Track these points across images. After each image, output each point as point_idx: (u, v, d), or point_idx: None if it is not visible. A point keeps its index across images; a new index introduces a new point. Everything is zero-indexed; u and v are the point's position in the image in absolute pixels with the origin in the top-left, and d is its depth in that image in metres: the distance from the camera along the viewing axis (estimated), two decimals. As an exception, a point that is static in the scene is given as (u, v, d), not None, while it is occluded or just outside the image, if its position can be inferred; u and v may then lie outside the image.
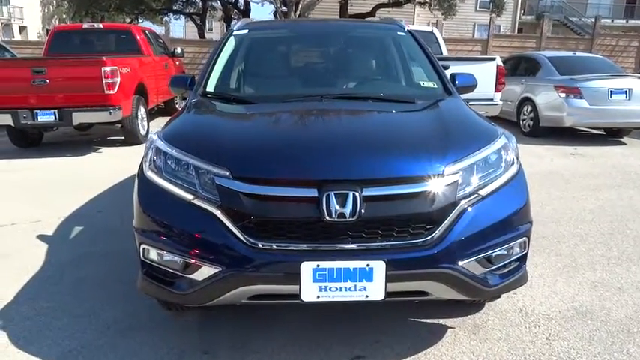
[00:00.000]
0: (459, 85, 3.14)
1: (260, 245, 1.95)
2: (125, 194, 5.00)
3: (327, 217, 1.91)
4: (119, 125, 7.26)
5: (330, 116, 2.63)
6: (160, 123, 9.06)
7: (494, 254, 2.10)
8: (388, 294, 1.95)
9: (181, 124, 2.55)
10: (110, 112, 6.72)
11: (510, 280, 2.20)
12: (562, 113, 7.77)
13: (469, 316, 2.69)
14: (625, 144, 8.15)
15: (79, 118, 6.77)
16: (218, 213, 1.99)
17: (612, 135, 8.53)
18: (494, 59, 7.00)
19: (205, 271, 2.00)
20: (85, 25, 9.19)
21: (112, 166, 6.18)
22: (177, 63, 10.25)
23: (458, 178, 2.06)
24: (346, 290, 1.93)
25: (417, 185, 1.99)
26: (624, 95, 7.60)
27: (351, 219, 1.92)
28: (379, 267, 1.90)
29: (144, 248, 2.16)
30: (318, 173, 2.00)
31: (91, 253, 3.54)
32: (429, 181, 2.01)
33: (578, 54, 9.82)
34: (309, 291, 1.92)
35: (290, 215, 1.96)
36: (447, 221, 1.99)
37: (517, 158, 2.33)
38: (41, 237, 3.85)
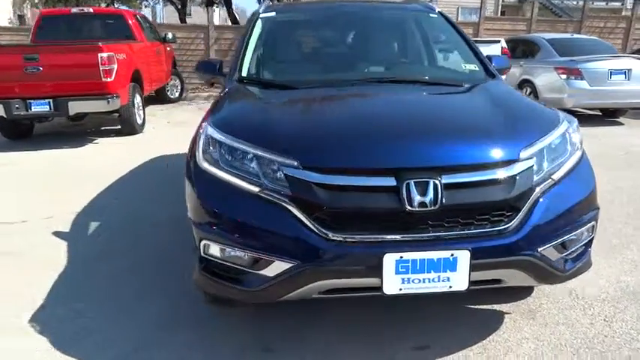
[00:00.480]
0: (495, 67, 3.07)
1: (338, 237, 1.85)
2: (137, 185, 4.86)
3: (408, 207, 1.83)
4: (116, 115, 7.02)
5: (387, 101, 2.53)
6: (152, 112, 8.81)
7: (568, 239, 2.05)
8: (470, 283, 1.88)
9: (233, 111, 2.42)
10: (108, 101, 6.48)
11: (580, 264, 2.16)
12: (563, 95, 7.78)
13: (521, 301, 2.66)
14: (623, 124, 8.25)
15: (76, 107, 6.51)
16: (290, 205, 1.89)
17: (608, 115, 8.62)
18: (499, 41, 6.97)
19: (278, 267, 1.90)
20: (74, 10, 8.82)
21: (113, 157, 5.98)
22: (168, 49, 9.96)
23: (533, 163, 1.99)
24: (429, 282, 1.86)
25: (497, 171, 1.92)
26: (624, 76, 7.66)
27: (432, 208, 1.84)
28: (464, 256, 1.83)
29: (205, 244, 2.04)
30: (396, 161, 1.91)
31: (114, 247, 3.41)
32: (509, 166, 1.94)
33: (576, 36, 9.87)
34: (392, 284, 1.84)
35: (368, 205, 1.87)
36: (525, 207, 1.93)
37: (581, 143, 2.27)
38: (57, 234, 3.68)
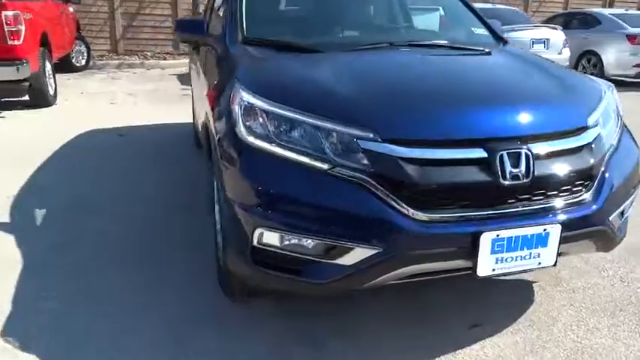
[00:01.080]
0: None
1: (428, 217, 1.66)
2: (72, 162, 4.24)
3: (502, 180, 1.68)
4: (26, 84, 6.05)
5: (441, 66, 2.33)
6: (61, 81, 7.76)
7: (627, 205, 2.04)
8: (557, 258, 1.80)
9: (271, 76, 2.07)
10: (18, 68, 5.55)
11: (625, 230, 2.18)
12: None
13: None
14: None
15: (-22, 76, 5.50)
16: (369, 183, 1.65)
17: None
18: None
19: (358, 254, 1.66)
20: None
21: (30, 133, 5.16)
22: (70, 10, 8.79)
23: (600, 129, 1.94)
24: (521, 260, 1.74)
25: (579, 137, 1.84)
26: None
27: (524, 180, 1.71)
28: (555, 231, 1.73)
29: (260, 232, 1.74)
30: (486, 130, 1.75)
31: (72, 237, 2.91)
32: (586, 132, 1.87)
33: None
34: (486, 264, 1.70)
35: (459, 180, 1.68)
36: (599, 175, 1.88)
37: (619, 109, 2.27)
38: (-2, 225, 3.07)
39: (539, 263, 1.78)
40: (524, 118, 1.83)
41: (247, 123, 1.82)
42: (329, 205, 1.67)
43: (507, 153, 1.69)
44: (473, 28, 2.94)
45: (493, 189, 1.69)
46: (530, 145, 1.74)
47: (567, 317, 2.27)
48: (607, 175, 1.90)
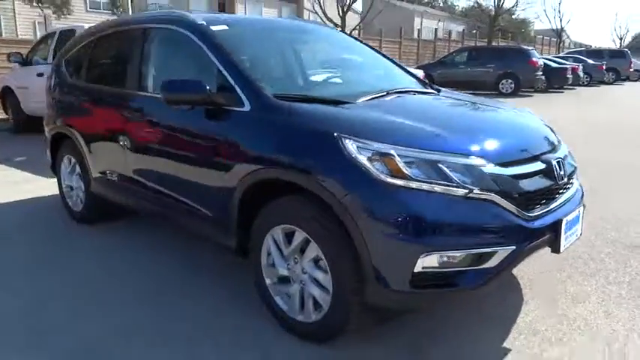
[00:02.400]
0: None
1: (532, 216, 2.21)
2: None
3: (558, 180, 2.37)
4: None
5: (465, 106, 2.99)
6: None
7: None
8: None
9: (369, 124, 2.29)
10: None
11: None
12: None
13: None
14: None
15: None
16: (496, 198, 2.12)
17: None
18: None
19: (499, 256, 2.10)
20: None
21: None
22: None
23: None
24: (571, 235, 2.44)
25: (565, 147, 2.69)
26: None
27: (565, 179, 2.45)
28: (581, 210, 2.53)
29: (423, 258, 2.01)
30: (537, 148, 2.43)
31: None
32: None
33: None
34: (563, 242, 2.33)
35: (540, 185, 2.30)
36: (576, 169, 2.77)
37: None
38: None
39: (577, 236, 2.52)
40: (547, 137, 2.60)
41: (377, 166, 2.07)
42: (475, 221, 2.07)
43: (556, 161, 2.40)
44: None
45: (555, 187, 2.37)
46: (556, 154, 2.49)
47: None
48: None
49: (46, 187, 5.25)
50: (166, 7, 35.44)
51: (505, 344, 2.42)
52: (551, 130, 2.82)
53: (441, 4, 63.13)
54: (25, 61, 8.95)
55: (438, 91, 3.32)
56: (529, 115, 3.00)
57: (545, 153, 2.42)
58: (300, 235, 2.34)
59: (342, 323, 2.29)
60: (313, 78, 3.35)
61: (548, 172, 2.35)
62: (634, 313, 2.71)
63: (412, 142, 2.15)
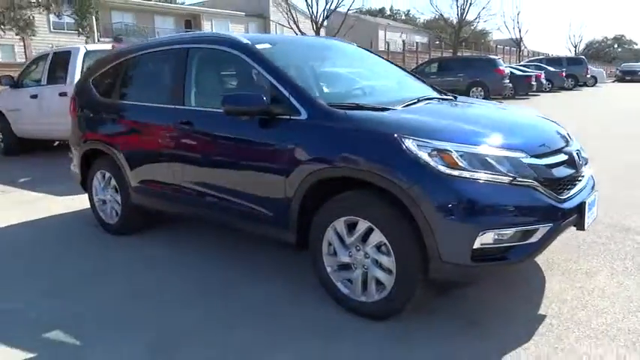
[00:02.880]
0: None
1: (563, 198, 2.61)
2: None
3: (579, 168, 2.79)
4: None
5: (487, 110, 3.43)
6: None
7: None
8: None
9: (425, 125, 2.67)
10: None
11: None
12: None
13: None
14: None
15: None
16: (535, 184, 2.51)
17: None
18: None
19: (540, 232, 2.48)
20: None
21: None
22: None
23: None
24: (592, 215, 2.85)
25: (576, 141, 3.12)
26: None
27: (583, 167, 2.88)
28: (596, 195, 2.94)
29: (482, 236, 2.38)
30: (559, 143, 2.87)
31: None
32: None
33: None
34: (587, 221, 2.74)
35: (566, 172, 2.71)
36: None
37: None
38: None
39: (595, 216, 2.93)
40: (562, 134, 3.04)
41: (436, 160, 2.44)
42: (520, 204, 2.46)
43: (576, 152, 2.82)
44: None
45: (576, 174, 2.78)
46: (573, 147, 2.91)
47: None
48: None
49: (61, 204, 5.44)
50: (132, 26, 35.53)
51: (541, 311, 2.81)
52: (562, 128, 3.25)
53: (403, 17, 64.95)
54: (16, 84, 9.00)
55: (455, 97, 3.72)
56: (540, 115, 3.44)
57: (565, 146, 2.84)
58: (363, 225, 2.67)
59: (404, 299, 2.63)
60: (350, 88, 3.70)
61: (571, 162, 2.77)
62: (642, 282, 3.15)
63: (463, 140, 2.54)
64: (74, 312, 3.00)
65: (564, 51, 59.16)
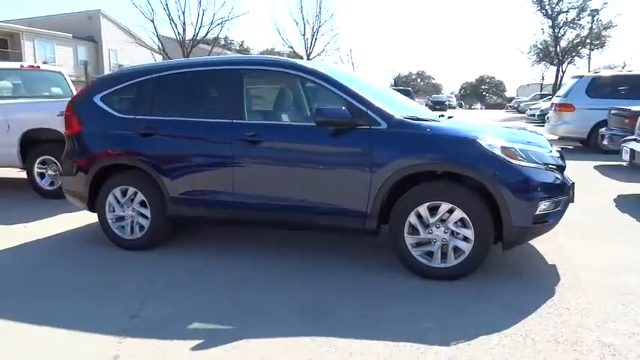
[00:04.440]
0: None
1: (565, 177, 3.81)
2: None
3: (564, 162, 4.04)
4: None
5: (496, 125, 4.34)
6: None
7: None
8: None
9: (490, 132, 3.61)
10: None
11: None
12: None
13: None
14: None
15: None
16: (556, 170, 3.66)
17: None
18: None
19: (562, 202, 3.62)
20: None
21: None
22: None
23: None
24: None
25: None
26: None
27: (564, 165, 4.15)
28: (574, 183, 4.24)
29: (539, 205, 3.43)
30: (549, 144, 4.06)
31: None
32: None
33: None
34: (573, 197, 3.98)
35: (563, 164, 3.92)
36: None
37: None
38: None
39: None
40: (547, 140, 4.26)
41: (504, 155, 3.42)
42: (552, 183, 3.57)
43: (557, 150, 4.05)
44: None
45: (564, 165, 3.98)
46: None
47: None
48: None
49: (50, 226, 5.13)
50: None
51: (559, 279, 3.95)
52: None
53: (237, 47, 66.48)
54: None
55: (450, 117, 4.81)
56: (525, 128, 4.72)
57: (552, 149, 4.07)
58: (445, 207, 3.51)
59: (479, 261, 3.52)
60: (393, 104, 4.45)
61: (562, 157, 3.99)
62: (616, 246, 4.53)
63: (514, 141, 3.59)
64: (214, 305, 3.23)
65: (387, 84, 67.08)
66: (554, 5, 36.25)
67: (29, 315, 3.16)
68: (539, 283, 3.55)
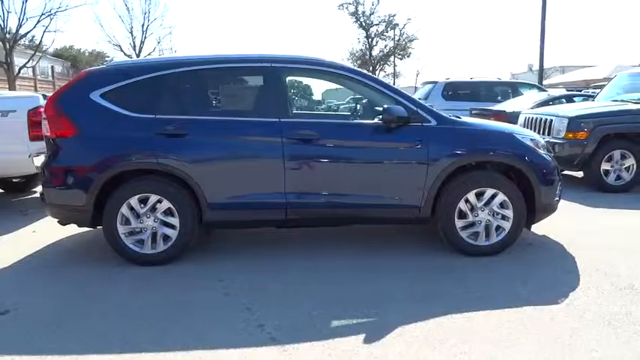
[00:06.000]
0: None
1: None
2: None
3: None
4: None
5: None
6: None
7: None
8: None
9: (514, 127, 4.19)
10: None
11: None
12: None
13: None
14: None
15: None
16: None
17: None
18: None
19: (561, 183, 4.47)
20: None
21: None
22: None
23: None
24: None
25: None
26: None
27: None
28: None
29: (559, 184, 4.20)
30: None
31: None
32: None
33: None
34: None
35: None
36: None
37: None
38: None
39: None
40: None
41: (532, 146, 4.12)
42: (556, 166, 4.38)
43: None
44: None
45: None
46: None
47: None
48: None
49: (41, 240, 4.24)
50: None
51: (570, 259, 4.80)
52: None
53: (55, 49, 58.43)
54: None
55: None
56: None
57: None
58: (490, 192, 4.06)
59: (516, 236, 4.15)
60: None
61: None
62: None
63: (533, 134, 4.30)
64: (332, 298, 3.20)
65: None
66: (366, 18, 40.54)
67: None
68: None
